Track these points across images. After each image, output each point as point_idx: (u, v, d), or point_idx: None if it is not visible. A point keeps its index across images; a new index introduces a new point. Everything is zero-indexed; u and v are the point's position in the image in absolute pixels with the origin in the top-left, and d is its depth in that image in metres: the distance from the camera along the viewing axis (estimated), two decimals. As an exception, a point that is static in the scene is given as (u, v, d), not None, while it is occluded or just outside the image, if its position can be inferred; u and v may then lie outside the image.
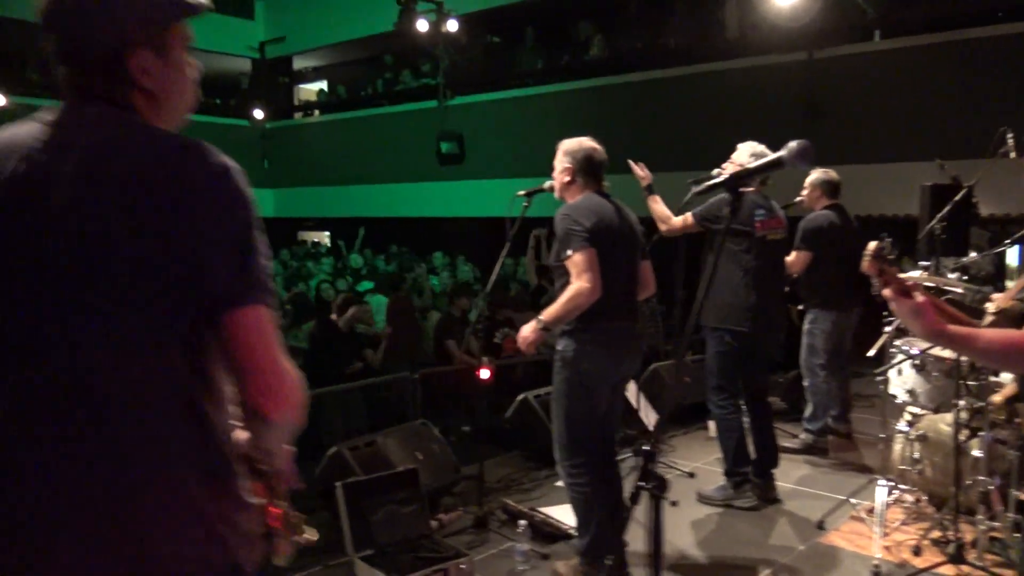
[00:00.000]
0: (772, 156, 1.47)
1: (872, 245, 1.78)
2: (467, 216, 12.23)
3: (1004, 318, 1.97)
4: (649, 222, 3.61)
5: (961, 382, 3.64)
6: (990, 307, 2.01)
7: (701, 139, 9.48)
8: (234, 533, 1.30)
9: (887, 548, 3.66)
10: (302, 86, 17.14)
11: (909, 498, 4.00)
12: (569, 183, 3.32)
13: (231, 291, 1.23)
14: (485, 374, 3.86)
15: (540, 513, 4.05)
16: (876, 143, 8.44)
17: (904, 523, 3.88)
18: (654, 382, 5.91)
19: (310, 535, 1.46)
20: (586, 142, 3.32)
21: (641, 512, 1.65)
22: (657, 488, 1.60)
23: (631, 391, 5.34)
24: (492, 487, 4.50)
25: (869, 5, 8.54)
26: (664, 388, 5.79)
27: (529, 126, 11.50)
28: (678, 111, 9.97)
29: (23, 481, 1.21)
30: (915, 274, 3.46)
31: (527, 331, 3.25)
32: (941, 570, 3.46)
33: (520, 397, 5.09)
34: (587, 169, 3.28)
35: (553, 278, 3.36)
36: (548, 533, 3.87)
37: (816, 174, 5.33)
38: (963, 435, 3.81)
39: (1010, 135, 4.17)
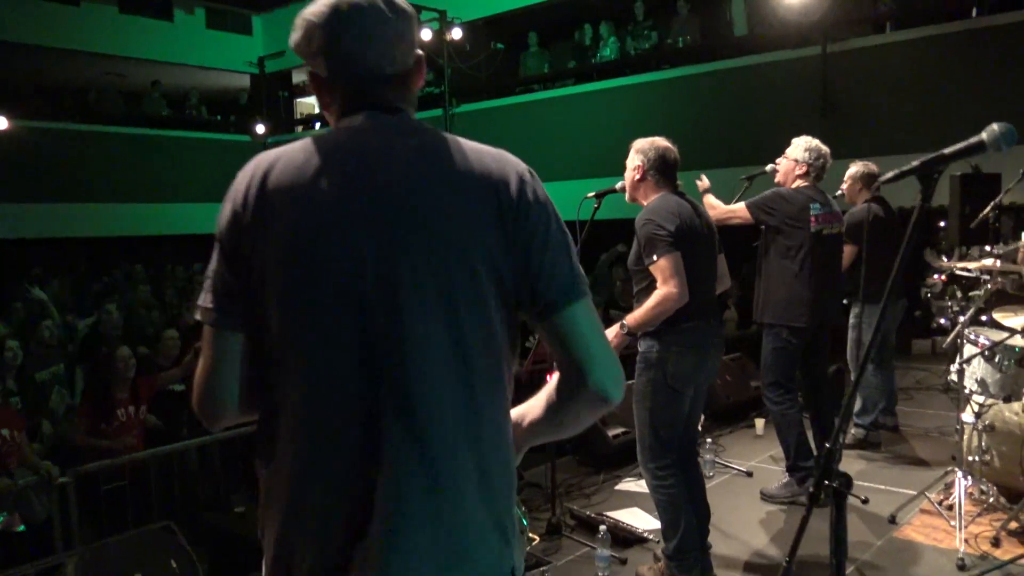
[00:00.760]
0: (973, 139, 1.45)
1: None
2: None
3: None
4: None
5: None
6: None
7: (714, 137, 9.51)
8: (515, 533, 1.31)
9: (965, 541, 3.64)
10: (302, 100, 17.08)
11: (978, 489, 3.99)
12: (639, 181, 3.30)
13: None
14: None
15: (610, 518, 4.02)
16: (892, 135, 8.45)
17: (978, 515, 3.86)
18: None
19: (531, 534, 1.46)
20: (659, 141, 3.30)
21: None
22: (844, 485, 1.57)
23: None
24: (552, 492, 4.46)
25: (882, -3, 8.57)
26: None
27: (537, 130, 11.50)
28: (689, 111, 9.98)
29: None
30: None
31: (610, 336, 3.22)
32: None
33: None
34: (660, 167, 3.26)
35: (633, 283, 3.33)
36: (623, 538, 3.83)
37: (856, 167, 5.33)
38: (1034, 423, 3.81)
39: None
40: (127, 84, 15.09)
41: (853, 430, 5.32)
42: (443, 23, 12.08)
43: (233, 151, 14.15)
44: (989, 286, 4.73)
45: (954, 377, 4.13)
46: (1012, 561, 3.44)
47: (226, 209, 1.30)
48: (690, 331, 3.18)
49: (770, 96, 9.24)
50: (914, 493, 4.23)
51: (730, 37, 9.97)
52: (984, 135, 1.45)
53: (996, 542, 3.62)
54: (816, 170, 4.27)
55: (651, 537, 3.84)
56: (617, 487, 4.68)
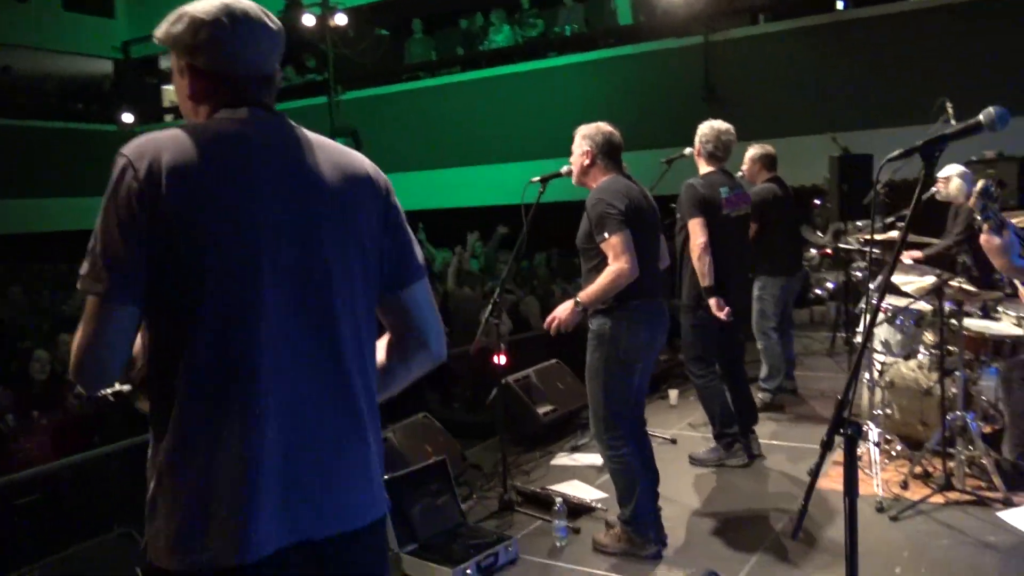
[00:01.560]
0: (971, 121, 1.63)
1: (981, 183, 1.98)
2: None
3: None
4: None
5: (926, 331, 4.04)
6: None
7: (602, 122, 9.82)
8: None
9: (879, 486, 4.01)
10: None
11: (884, 440, 4.38)
12: (589, 166, 3.42)
13: None
14: (501, 360, 3.92)
15: (555, 491, 4.16)
16: (772, 119, 9.02)
17: (886, 463, 4.25)
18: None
19: None
20: (604, 126, 3.43)
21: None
22: (855, 430, 1.76)
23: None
24: (494, 472, 4.56)
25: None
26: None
27: (425, 118, 11.48)
28: (578, 98, 10.25)
29: None
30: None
31: (564, 313, 3.35)
32: (933, 500, 3.85)
33: (502, 382, 5.15)
34: (607, 151, 3.39)
35: (582, 261, 3.45)
36: (572, 509, 3.97)
37: (755, 149, 5.68)
38: (932, 378, 4.23)
39: (949, 104, 4.63)
40: (-28, 70, 13.93)
41: (760, 395, 5.70)
42: (326, 8, 11.83)
43: (97, 141, 13.33)
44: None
45: (860, 340, 4.51)
46: (923, 500, 3.82)
47: (134, 188, 1.35)
48: (640, 307, 3.34)
49: (655, 83, 9.63)
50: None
51: (615, 26, 10.29)
52: (981, 117, 1.64)
53: (905, 485, 4.00)
54: (712, 150, 4.45)
55: (599, 506, 4.00)
56: (552, 462, 4.83)
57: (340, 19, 11.79)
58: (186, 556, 1.35)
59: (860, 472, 4.20)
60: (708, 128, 4.47)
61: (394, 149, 11.69)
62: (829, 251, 7.24)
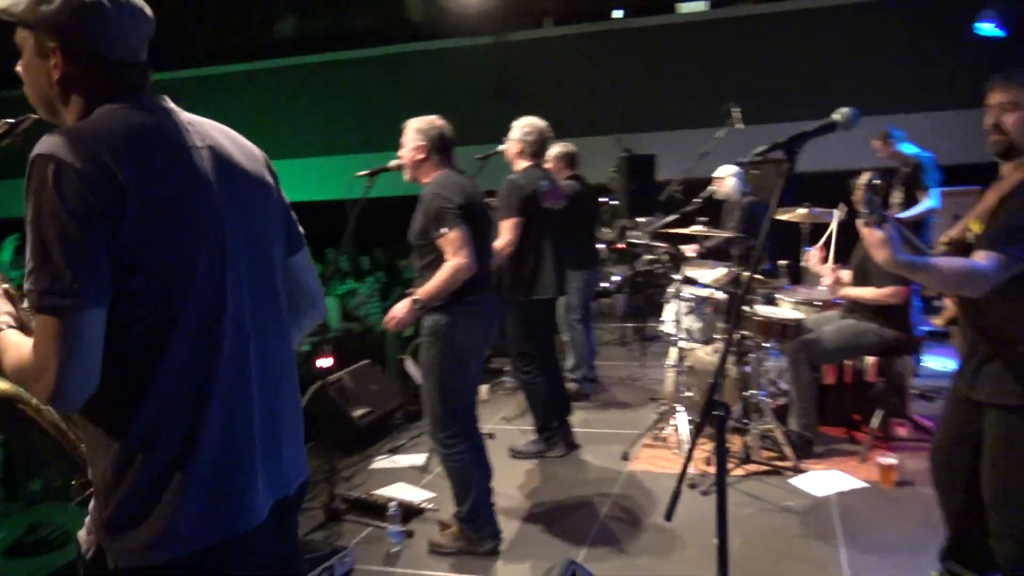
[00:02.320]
0: (826, 120, 1.77)
1: (866, 175, 2.15)
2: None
3: (953, 248, 2.47)
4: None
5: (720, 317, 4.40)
6: (943, 238, 2.52)
7: (391, 121, 9.72)
8: None
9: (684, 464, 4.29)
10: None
11: (686, 421, 4.72)
12: (422, 161, 3.35)
13: None
14: (327, 362, 3.74)
15: (382, 496, 4.05)
16: (561, 120, 9.32)
17: (684, 443, 4.57)
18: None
19: None
20: (436, 120, 3.37)
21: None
22: (725, 411, 1.86)
23: (410, 364, 5.47)
24: (316, 480, 4.34)
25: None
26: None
27: (209, 109, 10.75)
28: (371, 92, 10.08)
29: None
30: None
31: (402, 311, 3.25)
32: (735, 472, 4.19)
33: (315, 385, 4.94)
34: (440, 147, 3.34)
35: (417, 257, 3.37)
36: (403, 512, 3.88)
37: (557, 148, 5.86)
38: (731, 361, 4.60)
39: (735, 109, 5.05)
40: None
41: (568, 385, 5.91)
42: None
43: None
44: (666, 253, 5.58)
45: (665, 328, 4.82)
46: (728, 474, 4.15)
47: (83, 187, 1.28)
48: (475, 303, 3.32)
49: (449, 80, 9.69)
50: (633, 432, 4.85)
51: (408, 22, 10.23)
52: (837, 116, 1.79)
53: (709, 461, 4.33)
54: (532, 147, 4.57)
55: (430, 506, 3.95)
56: (372, 466, 4.70)
57: None
58: (183, 545, 1.37)
59: (669, 452, 4.51)
60: (531, 126, 4.56)
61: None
62: (621, 246, 7.66)
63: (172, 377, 1.36)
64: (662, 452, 4.60)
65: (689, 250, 6.96)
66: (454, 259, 3.16)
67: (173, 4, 12.00)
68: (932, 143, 5.98)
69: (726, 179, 6.58)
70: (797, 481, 4.08)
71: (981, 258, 2.24)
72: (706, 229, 5.04)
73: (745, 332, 4.43)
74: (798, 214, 5.09)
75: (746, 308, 4.44)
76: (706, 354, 4.80)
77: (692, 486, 4.07)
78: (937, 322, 2.62)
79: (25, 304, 1.50)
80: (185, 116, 1.51)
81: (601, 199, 9.44)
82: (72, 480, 1.72)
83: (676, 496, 1.94)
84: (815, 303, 4.87)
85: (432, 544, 3.53)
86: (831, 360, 4.54)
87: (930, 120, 7.59)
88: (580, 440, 4.90)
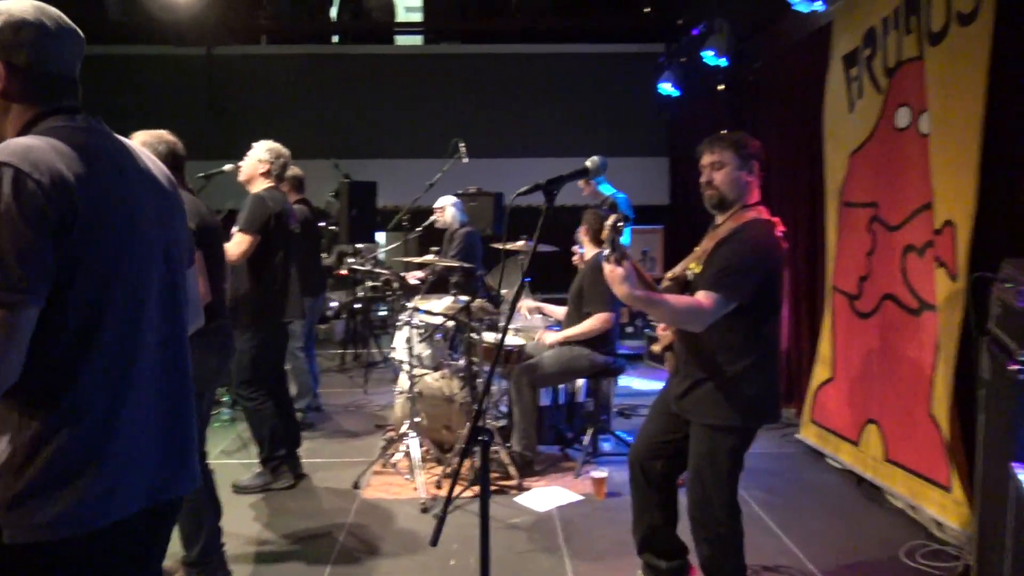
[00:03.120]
0: (580, 167, 1.95)
1: (613, 217, 2.35)
2: None
3: (675, 284, 2.74)
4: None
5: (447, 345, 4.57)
6: (668, 274, 2.77)
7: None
8: None
9: (416, 489, 4.37)
10: None
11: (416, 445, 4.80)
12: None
13: None
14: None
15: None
16: (278, 140, 9.09)
17: (419, 467, 4.66)
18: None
19: None
20: (165, 135, 3.16)
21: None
22: (489, 437, 1.96)
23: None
24: None
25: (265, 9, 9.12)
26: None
27: None
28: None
29: None
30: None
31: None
32: (465, 494, 4.35)
33: None
34: (173, 164, 3.11)
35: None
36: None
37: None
38: (454, 386, 4.77)
39: (462, 144, 5.28)
40: None
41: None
42: None
43: None
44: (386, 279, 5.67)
45: (396, 355, 4.87)
46: (458, 496, 4.30)
47: (40, 196, 1.40)
48: (209, 332, 3.12)
49: (156, 90, 8.99)
50: (362, 460, 4.84)
51: (105, 21, 9.30)
52: (588, 163, 1.98)
53: (439, 485, 4.45)
54: (278, 169, 4.48)
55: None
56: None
57: None
58: (82, 524, 1.47)
59: (400, 478, 4.56)
60: (277, 149, 4.48)
61: None
62: (343, 272, 7.61)
63: (97, 366, 1.49)
64: (393, 478, 4.63)
65: (412, 277, 7.12)
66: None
67: None
68: (624, 184, 6.71)
69: (446, 208, 6.84)
70: (521, 499, 4.34)
71: (703, 297, 2.59)
72: (436, 258, 5.21)
73: (473, 358, 4.64)
74: (517, 246, 5.44)
75: (473, 335, 4.65)
76: (434, 380, 4.94)
77: (425, 510, 4.16)
78: (655, 349, 2.95)
79: None
80: (119, 138, 1.69)
81: (320, 224, 9.36)
82: None
83: (442, 521, 1.98)
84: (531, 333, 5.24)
85: (160, 593, 3.23)
86: (550, 383, 4.91)
87: (623, 164, 8.51)
88: (308, 470, 4.77)
